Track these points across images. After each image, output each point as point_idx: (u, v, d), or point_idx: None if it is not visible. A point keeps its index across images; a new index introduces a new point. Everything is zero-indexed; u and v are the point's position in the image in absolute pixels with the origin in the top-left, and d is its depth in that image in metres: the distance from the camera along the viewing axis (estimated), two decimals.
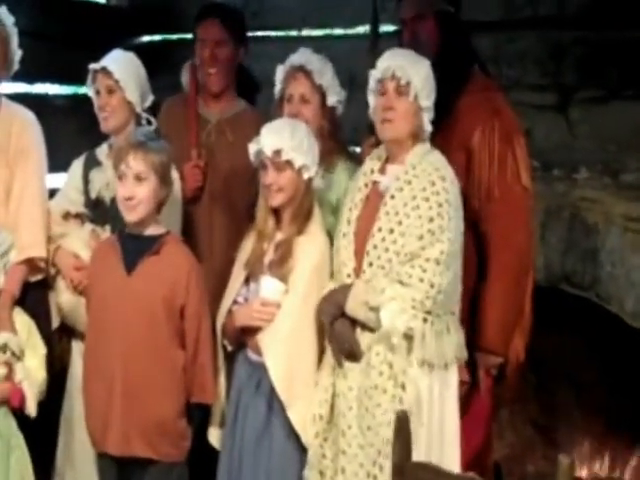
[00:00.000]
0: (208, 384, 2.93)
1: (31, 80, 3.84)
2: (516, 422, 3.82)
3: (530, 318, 3.16)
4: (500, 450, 3.72)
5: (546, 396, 3.80)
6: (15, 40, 3.24)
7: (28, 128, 3.26)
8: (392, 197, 2.81)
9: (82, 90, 4.65)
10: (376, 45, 3.41)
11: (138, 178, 2.85)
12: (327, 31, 4.46)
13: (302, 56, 3.20)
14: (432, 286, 2.72)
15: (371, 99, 2.89)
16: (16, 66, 3.28)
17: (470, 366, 3.04)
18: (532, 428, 3.92)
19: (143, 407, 2.84)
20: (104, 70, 3.21)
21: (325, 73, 3.19)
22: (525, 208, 3.10)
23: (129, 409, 2.84)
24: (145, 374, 2.84)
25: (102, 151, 3.33)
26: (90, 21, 4.76)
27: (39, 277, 3.26)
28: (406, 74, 2.79)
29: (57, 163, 3.39)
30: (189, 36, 4.59)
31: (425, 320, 2.73)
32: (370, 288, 2.76)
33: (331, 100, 3.20)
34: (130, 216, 2.88)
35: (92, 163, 3.31)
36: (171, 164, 2.98)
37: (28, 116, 3.30)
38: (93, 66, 3.24)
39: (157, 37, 4.94)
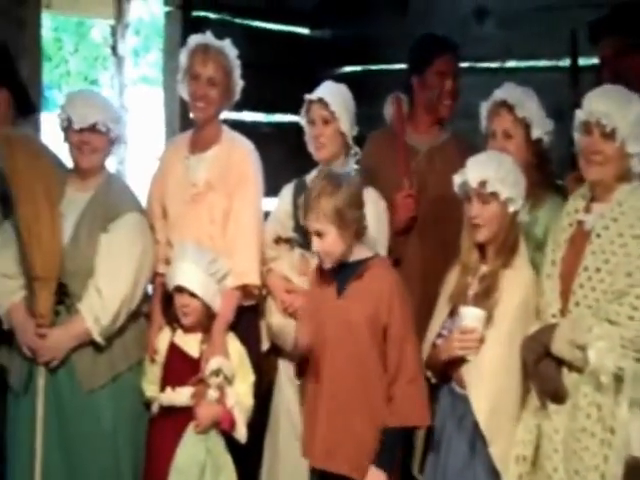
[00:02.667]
0: (408, 409, 2.87)
1: (239, 108, 3.96)
2: None
3: None
4: None
5: None
6: (238, 72, 3.35)
7: (247, 157, 3.37)
8: (598, 236, 2.76)
9: (286, 118, 4.87)
10: (576, 80, 3.36)
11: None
12: (532, 63, 4.42)
13: (504, 91, 3.18)
14: None
15: (576, 136, 2.83)
16: (237, 96, 3.40)
17: None
18: None
19: (346, 425, 2.89)
20: (320, 101, 3.28)
21: (528, 106, 3.15)
22: None
23: (333, 425, 2.89)
24: (349, 393, 2.89)
25: (311, 178, 3.40)
26: (293, 52, 4.93)
27: (252, 302, 3.35)
28: (612, 121, 2.71)
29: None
30: (387, 67, 4.73)
31: (637, 360, 2.65)
32: (577, 326, 2.71)
33: (536, 133, 3.16)
34: (326, 263, 2.93)
35: (301, 189, 3.38)
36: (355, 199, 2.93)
37: (247, 145, 3.41)
38: (309, 96, 3.31)
39: (357, 68, 5.01)
